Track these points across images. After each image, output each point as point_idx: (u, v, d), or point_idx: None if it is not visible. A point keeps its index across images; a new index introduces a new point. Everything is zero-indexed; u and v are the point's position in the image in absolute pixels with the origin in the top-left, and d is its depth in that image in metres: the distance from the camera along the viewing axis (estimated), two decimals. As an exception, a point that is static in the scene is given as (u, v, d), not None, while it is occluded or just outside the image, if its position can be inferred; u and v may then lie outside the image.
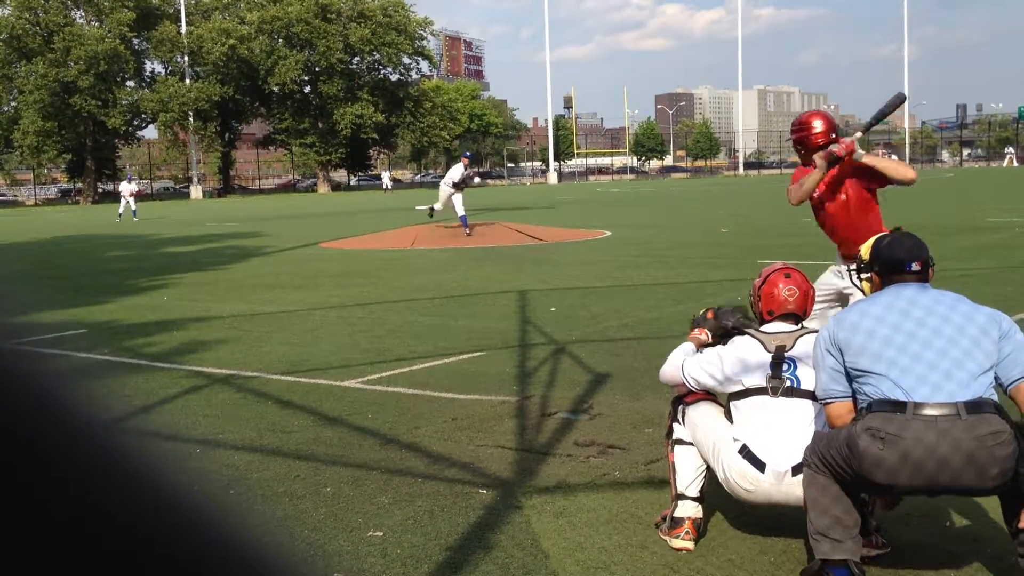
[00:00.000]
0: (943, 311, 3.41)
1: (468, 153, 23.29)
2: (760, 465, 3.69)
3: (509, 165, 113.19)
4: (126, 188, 40.17)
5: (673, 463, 4.04)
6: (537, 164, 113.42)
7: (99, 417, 0.40)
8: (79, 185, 75.13)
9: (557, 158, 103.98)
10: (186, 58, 72.82)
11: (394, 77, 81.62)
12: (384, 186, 75.40)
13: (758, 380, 3.81)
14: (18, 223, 41.04)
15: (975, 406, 3.18)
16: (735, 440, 3.79)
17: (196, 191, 74.86)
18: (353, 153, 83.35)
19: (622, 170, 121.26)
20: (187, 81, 72.44)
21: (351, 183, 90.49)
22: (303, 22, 74.21)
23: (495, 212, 30.46)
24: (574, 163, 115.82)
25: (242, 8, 78.40)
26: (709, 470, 3.97)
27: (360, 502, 4.47)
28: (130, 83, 74.46)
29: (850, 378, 3.44)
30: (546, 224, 24.23)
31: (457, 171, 21.77)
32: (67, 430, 0.38)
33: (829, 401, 3.50)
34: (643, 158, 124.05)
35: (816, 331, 3.80)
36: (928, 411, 3.18)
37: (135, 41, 72.48)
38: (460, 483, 4.73)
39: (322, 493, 4.62)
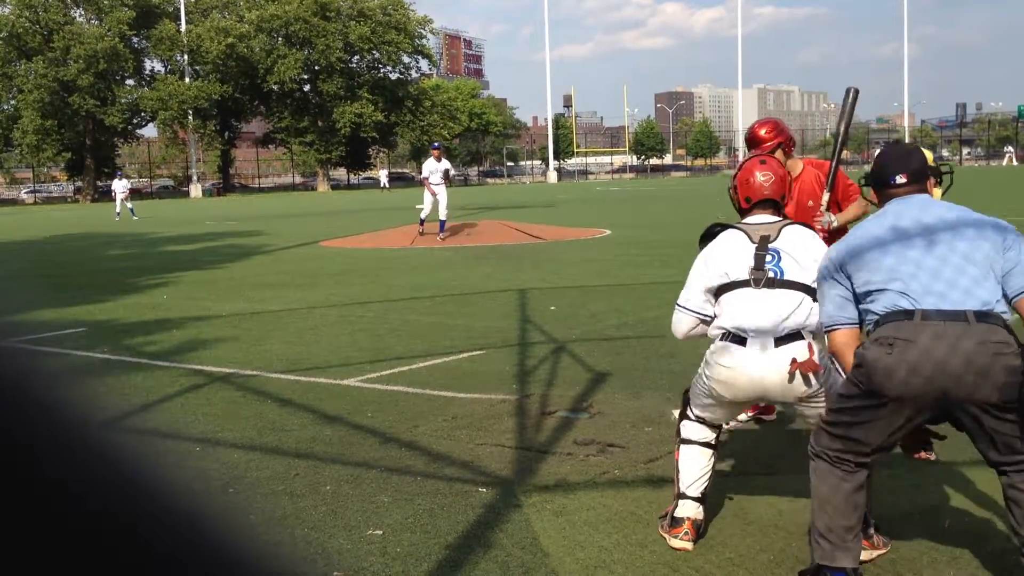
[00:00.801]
0: (949, 222, 3.33)
1: (435, 144, 21.28)
2: (742, 341, 3.79)
3: (509, 164, 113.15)
4: (119, 185, 40.05)
5: (677, 461, 4.06)
6: (536, 163, 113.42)
7: (96, 416, 0.39)
8: (78, 184, 75.12)
9: (557, 157, 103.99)
10: (185, 56, 72.82)
11: (394, 76, 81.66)
12: (382, 185, 75.29)
13: (742, 272, 3.89)
14: (17, 221, 41.03)
15: (983, 315, 3.13)
16: (718, 330, 3.91)
17: (196, 189, 74.84)
18: (353, 152, 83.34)
19: (621, 169, 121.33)
20: (186, 79, 72.43)
21: (351, 182, 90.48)
22: (302, 20, 74.18)
23: (495, 211, 30.46)
24: (574, 162, 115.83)
25: (241, 6, 78.38)
26: (713, 471, 4.00)
27: (359, 500, 4.47)
28: (130, 81, 74.50)
29: (857, 302, 3.38)
30: (546, 223, 24.23)
31: (425, 167, 20.48)
32: (64, 429, 0.37)
33: (835, 328, 3.44)
34: (643, 157, 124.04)
35: (797, 223, 4.04)
36: (937, 318, 3.14)
37: (135, 39, 72.49)
38: (459, 481, 4.73)
39: (321, 491, 4.62)
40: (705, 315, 4.00)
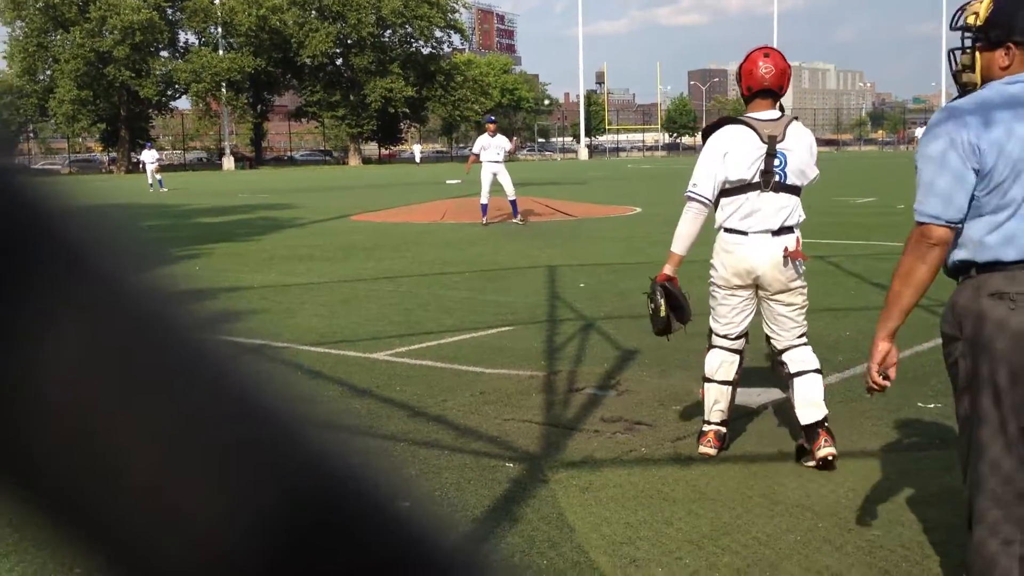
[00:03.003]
0: None
1: (490, 117, 19.40)
2: (743, 233, 4.46)
3: (540, 140, 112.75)
4: (148, 156, 40.03)
5: (702, 395, 4.78)
6: (568, 139, 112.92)
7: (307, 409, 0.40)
8: (113, 155, 75.68)
9: (588, 134, 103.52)
10: (219, 29, 72.97)
11: (426, 50, 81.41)
12: (415, 159, 75.31)
13: (753, 173, 4.42)
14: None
15: None
16: (719, 228, 4.59)
17: (228, 162, 75.19)
18: (384, 127, 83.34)
19: (653, 147, 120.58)
20: (220, 52, 72.63)
21: (382, 156, 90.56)
22: (336, -7, 74.12)
23: (525, 188, 30.40)
24: (605, 139, 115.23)
25: (275, -21, 78.39)
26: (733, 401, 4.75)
27: (387, 473, 4.50)
28: (164, 53, 74.78)
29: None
30: (576, 200, 24.16)
31: (477, 143, 18.46)
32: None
33: (940, 224, 2.72)
34: (675, 134, 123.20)
35: (796, 118, 4.59)
36: None
37: (169, 11, 72.70)
38: (486, 456, 4.76)
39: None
40: (711, 201, 4.53)
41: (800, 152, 4.46)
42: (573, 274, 11.31)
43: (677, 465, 4.59)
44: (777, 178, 4.41)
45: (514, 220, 18.59)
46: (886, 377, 2.86)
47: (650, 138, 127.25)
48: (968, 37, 2.84)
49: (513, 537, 3.72)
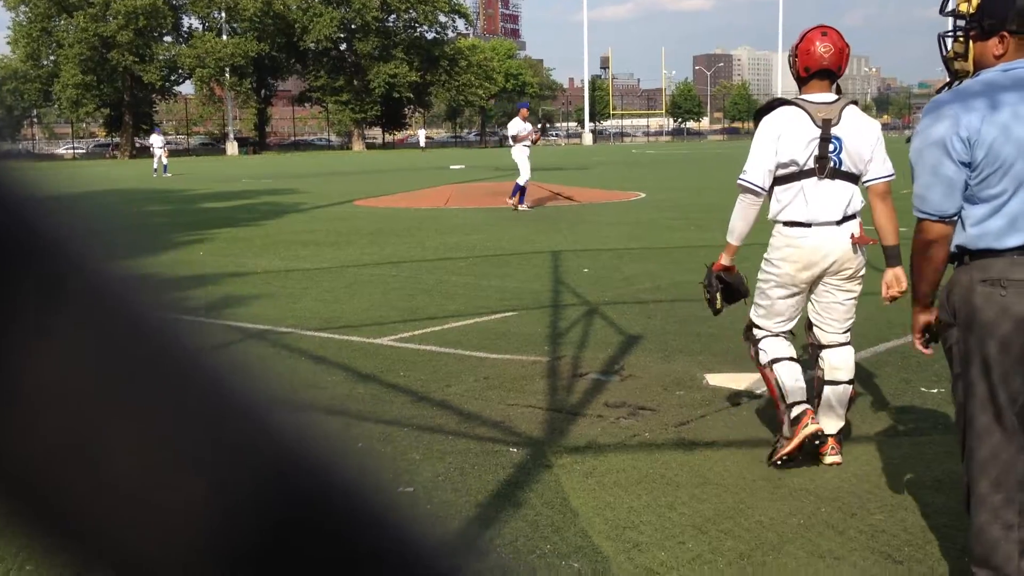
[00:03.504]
0: None
1: (524, 103, 19.99)
2: (807, 225, 4.17)
3: (544, 124, 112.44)
4: (157, 140, 40.18)
5: (776, 380, 4.35)
6: (572, 124, 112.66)
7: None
8: (117, 139, 75.65)
9: (593, 119, 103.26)
10: (223, 14, 72.79)
11: (430, 35, 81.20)
12: (421, 145, 75.11)
13: (807, 159, 4.16)
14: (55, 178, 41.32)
15: None
16: (776, 222, 4.28)
17: (232, 147, 75.13)
18: (388, 112, 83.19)
19: (658, 132, 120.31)
20: (224, 37, 72.47)
21: (386, 141, 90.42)
22: (340, -22, 73.90)
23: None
24: (609, 124, 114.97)
25: (279, -37, 78.20)
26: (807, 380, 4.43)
27: (391, 458, 4.52)
28: (167, 38, 74.63)
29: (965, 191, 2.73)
30: (580, 185, 24.12)
31: (513, 126, 18.95)
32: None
33: (938, 220, 2.77)
34: (680, 120, 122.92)
35: (855, 101, 4.27)
36: None
37: (173, -4, 72.58)
38: (490, 441, 4.76)
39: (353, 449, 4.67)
40: (765, 190, 4.27)
41: (857, 138, 4.16)
42: (577, 259, 11.31)
43: (681, 450, 4.59)
44: (832, 164, 4.15)
45: (508, 202, 18.58)
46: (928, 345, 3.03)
47: (655, 123, 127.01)
48: (960, 25, 2.82)
49: (517, 522, 3.73)
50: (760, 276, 4.38)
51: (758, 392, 5.57)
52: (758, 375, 5.89)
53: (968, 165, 2.67)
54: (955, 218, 2.73)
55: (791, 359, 4.37)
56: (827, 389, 4.34)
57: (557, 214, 17.67)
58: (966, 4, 2.79)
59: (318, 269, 11.10)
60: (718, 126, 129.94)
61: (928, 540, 3.54)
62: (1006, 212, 2.66)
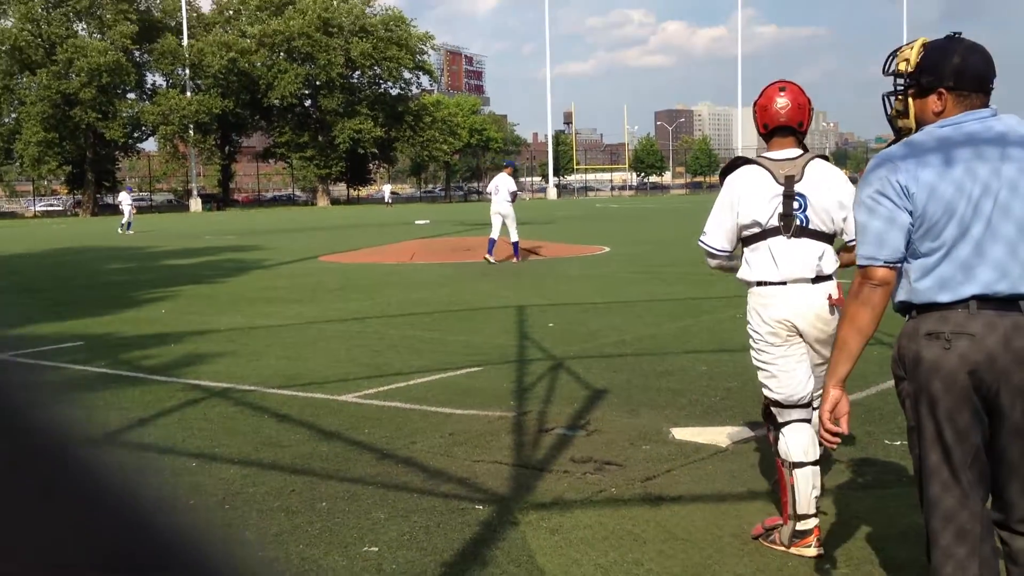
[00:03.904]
0: (1014, 169, 2.71)
1: (510, 161, 20.94)
2: (781, 283, 3.99)
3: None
4: (126, 197, 40.42)
5: (792, 485, 3.98)
6: (537, 179, 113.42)
7: (93, 431, 0.39)
8: (78, 197, 75.14)
9: (557, 173, 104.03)
10: (187, 71, 72.94)
11: (394, 91, 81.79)
12: (386, 200, 75.15)
13: (771, 217, 4.01)
14: (16, 235, 41.04)
15: None
16: (749, 284, 4.08)
17: (195, 204, 74.84)
18: (353, 167, 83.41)
19: (622, 186, 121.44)
20: (188, 94, 72.56)
21: (351, 197, 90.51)
22: (305, 36, 74.33)
23: (494, 227, 30.46)
24: (573, 178, 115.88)
25: (243, 22, 78.61)
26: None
27: (356, 517, 4.46)
28: (131, 95, 74.58)
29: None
30: (545, 239, 24.23)
31: (511, 183, 19.46)
32: (60, 443, 0.38)
33: (881, 265, 2.77)
34: (643, 174, 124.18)
35: (821, 156, 4.11)
36: (987, 306, 2.67)
37: (136, 53, 72.63)
38: (456, 498, 4.72)
39: (317, 508, 4.61)
40: (727, 253, 4.19)
41: (824, 194, 3.98)
42: (542, 314, 11.33)
43: (647, 505, 4.58)
44: (799, 222, 3.98)
45: (515, 260, 19.15)
46: (839, 426, 2.83)
47: (618, 177, 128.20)
48: (900, 84, 2.90)
49: (483, 581, 3.69)
50: (752, 347, 4.11)
51: (723, 446, 5.57)
52: (724, 429, 5.92)
53: (910, 214, 2.72)
54: (897, 264, 2.76)
55: (814, 464, 3.99)
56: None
57: (523, 268, 17.73)
58: (904, 63, 2.87)
59: (282, 326, 11.03)
60: (681, 180, 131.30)
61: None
62: (947, 265, 2.71)
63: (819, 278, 3.98)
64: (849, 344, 2.81)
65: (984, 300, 2.68)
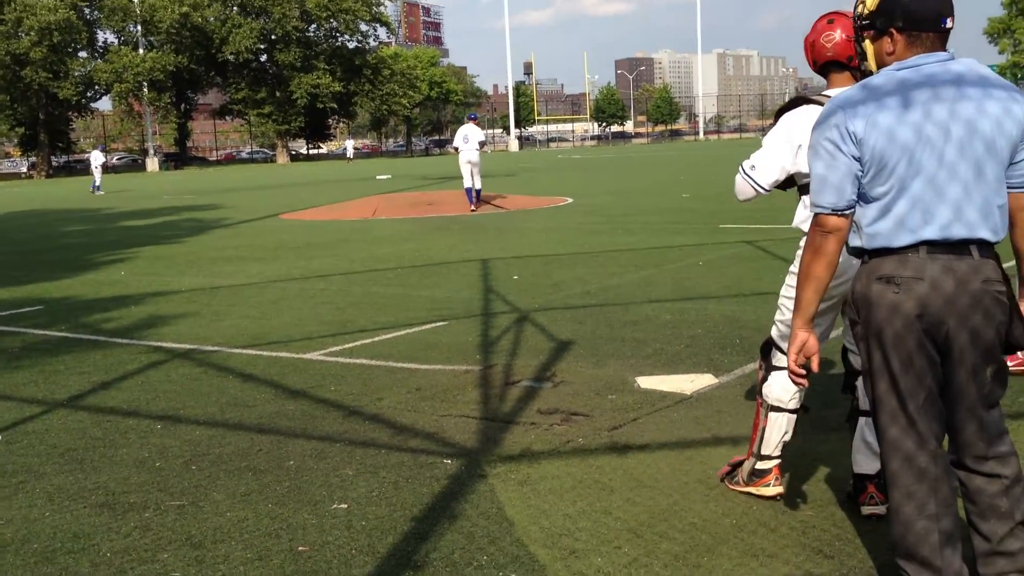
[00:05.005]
0: (972, 108, 2.69)
1: (473, 114, 21.78)
2: None
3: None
4: (98, 157, 40.15)
5: (763, 428, 3.97)
6: (498, 131, 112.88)
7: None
8: (32, 159, 73.86)
9: (518, 125, 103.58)
10: (139, 27, 71.56)
11: (352, 44, 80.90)
12: (348, 156, 74.11)
13: None
14: (-29, 198, 40.31)
15: (987, 246, 2.72)
16: (802, 229, 3.74)
17: (152, 163, 73.82)
18: (312, 123, 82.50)
19: (583, 137, 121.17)
20: (140, 51, 71.24)
21: (311, 153, 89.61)
22: (257, -11, 73.14)
23: (455, 180, 30.38)
24: (535, 129, 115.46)
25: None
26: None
27: (324, 475, 4.46)
28: (82, 54, 73.10)
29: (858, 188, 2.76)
30: (508, 192, 24.17)
31: (478, 132, 20.70)
32: None
33: (832, 213, 2.76)
34: (604, 124, 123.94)
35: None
36: (942, 250, 2.68)
37: (87, 10, 71.11)
38: (424, 453, 4.73)
39: (285, 467, 4.60)
40: (767, 193, 3.91)
41: None
42: (506, 267, 11.32)
43: (614, 454, 4.61)
44: None
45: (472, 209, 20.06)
46: (808, 369, 2.89)
47: (580, 128, 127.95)
48: (859, 26, 2.90)
49: (452, 534, 3.71)
50: (784, 292, 4.00)
51: (688, 393, 5.62)
52: (689, 376, 5.96)
53: (859, 161, 2.72)
54: (848, 211, 2.77)
55: (792, 412, 3.95)
56: (862, 419, 3.81)
57: (486, 221, 17.68)
58: (861, 5, 2.86)
59: (244, 285, 10.95)
60: (642, 129, 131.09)
61: (859, 533, 3.60)
62: (903, 205, 2.71)
63: None
64: (805, 292, 2.84)
65: (935, 245, 2.70)
